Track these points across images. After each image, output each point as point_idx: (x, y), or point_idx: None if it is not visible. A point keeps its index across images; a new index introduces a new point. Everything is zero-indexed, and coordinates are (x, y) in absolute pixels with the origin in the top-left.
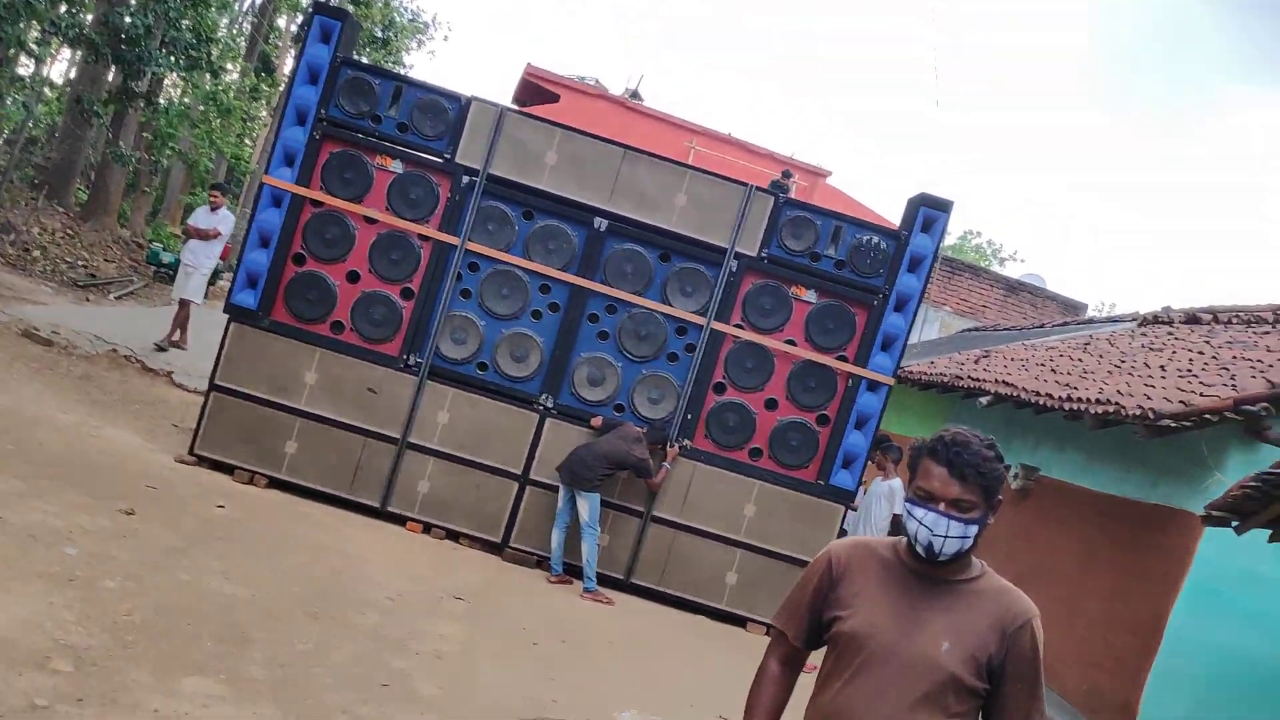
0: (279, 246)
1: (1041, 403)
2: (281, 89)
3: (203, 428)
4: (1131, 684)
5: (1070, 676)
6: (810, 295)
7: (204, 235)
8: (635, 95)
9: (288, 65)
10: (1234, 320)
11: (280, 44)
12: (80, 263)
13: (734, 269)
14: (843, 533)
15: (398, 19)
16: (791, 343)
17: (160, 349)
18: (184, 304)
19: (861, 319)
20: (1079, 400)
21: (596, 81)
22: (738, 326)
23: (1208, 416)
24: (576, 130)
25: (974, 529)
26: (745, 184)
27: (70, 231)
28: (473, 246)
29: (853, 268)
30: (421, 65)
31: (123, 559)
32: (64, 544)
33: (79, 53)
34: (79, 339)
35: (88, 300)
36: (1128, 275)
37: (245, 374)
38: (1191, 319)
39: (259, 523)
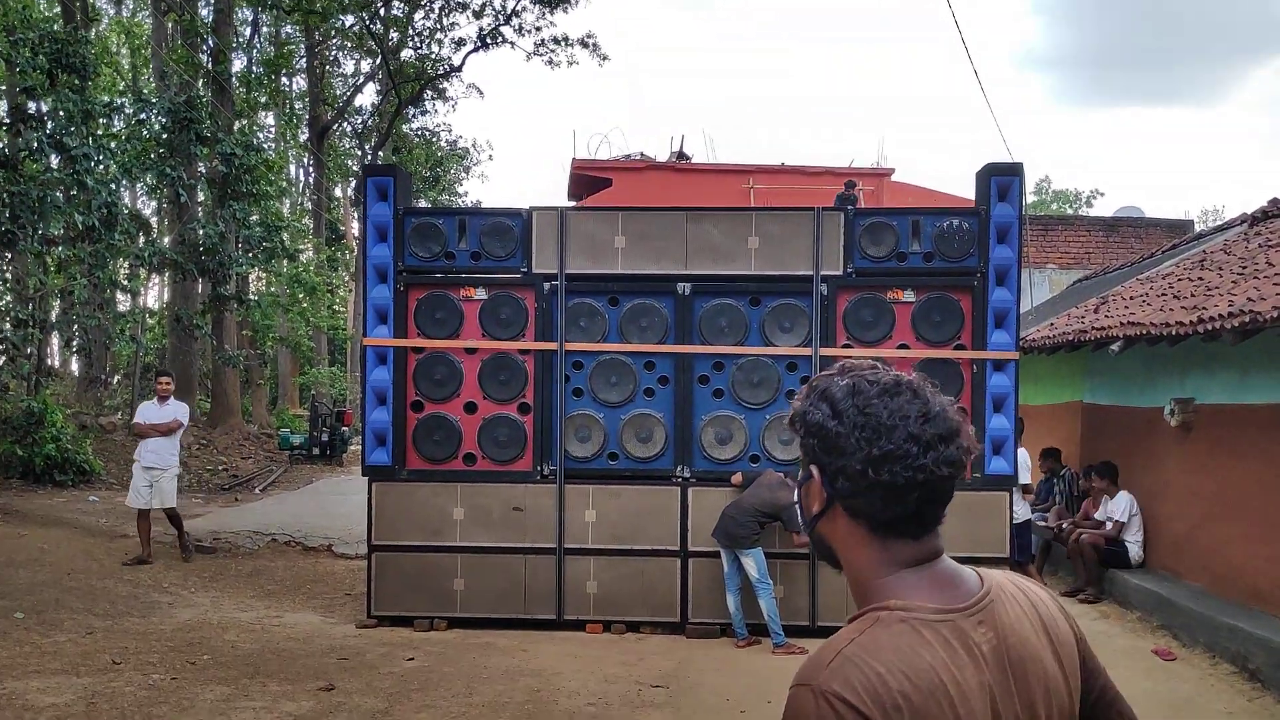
0: (395, 399)
1: (1173, 333)
2: (355, 251)
3: (373, 589)
4: None
5: None
6: (908, 295)
7: (163, 431)
8: (682, 155)
9: (354, 225)
10: None
11: (342, 210)
12: (220, 467)
13: (825, 292)
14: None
15: (438, 154)
16: (904, 346)
17: (187, 558)
18: (166, 515)
19: (966, 303)
20: (1210, 320)
21: (641, 155)
22: (845, 346)
23: None
24: (635, 208)
25: (794, 490)
26: (811, 208)
27: (203, 441)
28: (571, 346)
29: (942, 256)
30: (475, 190)
31: None
32: None
33: (165, 275)
34: (238, 539)
35: (237, 500)
36: (1219, 179)
37: (398, 528)
38: None
39: (448, 664)
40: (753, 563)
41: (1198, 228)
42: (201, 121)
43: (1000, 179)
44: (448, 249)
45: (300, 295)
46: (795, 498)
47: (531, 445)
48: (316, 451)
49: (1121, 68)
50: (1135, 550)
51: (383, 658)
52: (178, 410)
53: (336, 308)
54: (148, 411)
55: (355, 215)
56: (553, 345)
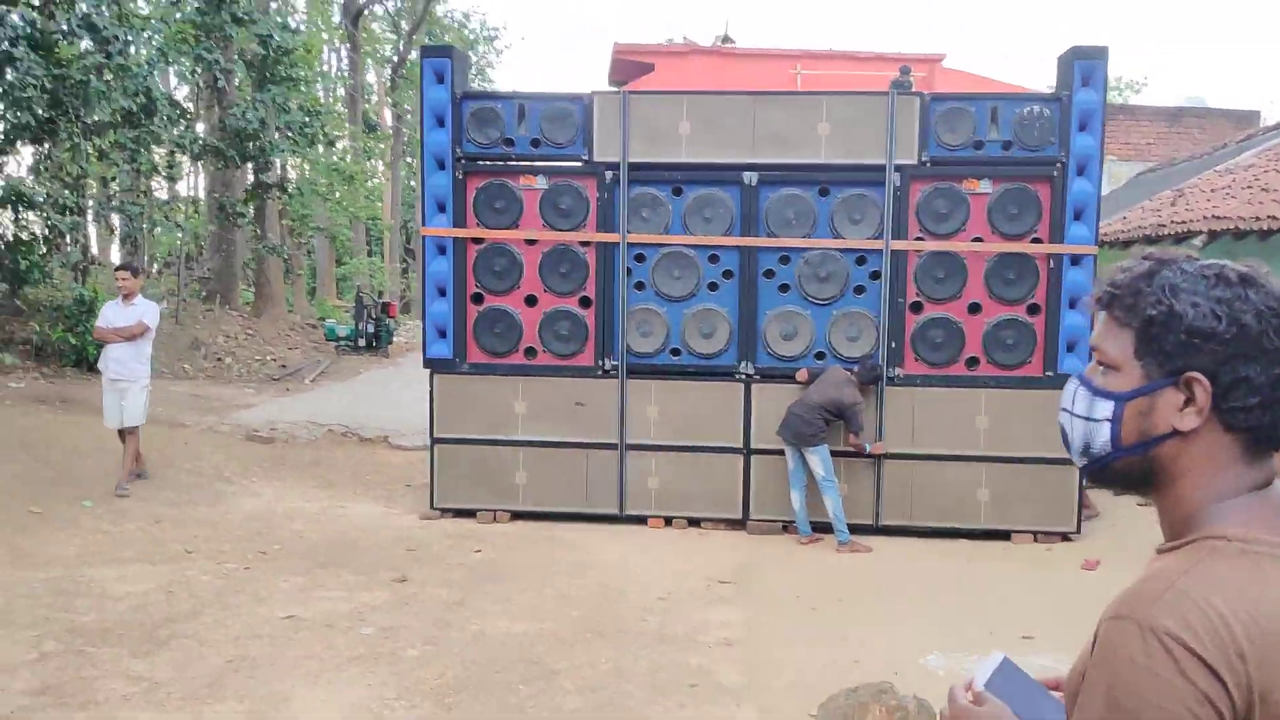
0: (455, 291)
1: (1264, 227)
2: (391, 139)
3: (436, 482)
4: None
5: None
6: (984, 186)
7: (126, 335)
8: (727, 40)
9: (386, 117)
10: None
11: (376, 97)
12: (269, 357)
13: (898, 182)
14: None
15: (471, 35)
16: (979, 239)
17: (122, 495)
18: (126, 434)
19: (1045, 194)
20: None
21: (685, 39)
22: (918, 239)
23: None
24: (700, 92)
25: (1107, 406)
26: (886, 92)
27: (250, 331)
28: (634, 238)
29: (1021, 144)
30: (504, 78)
31: (414, 626)
32: (359, 625)
33: (204, 163)
34: (295, 429)
35: (288, 390)
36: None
37: (460, 421)
38: None
39: (516, 557)
40: (819, 460)
41: (1263, 121)
42: (236, 0)
43: (1084, 63)
44: (506, 135)
45: (340, 184)
46: (857, 395)
47: (593, 339)
48: (362, 343)
49: None
50: None
51: (450, 549)
52: (144, 311)
53: (373, 198)
54: (108, 314)
55: (390, 102)
56: (615, 237)
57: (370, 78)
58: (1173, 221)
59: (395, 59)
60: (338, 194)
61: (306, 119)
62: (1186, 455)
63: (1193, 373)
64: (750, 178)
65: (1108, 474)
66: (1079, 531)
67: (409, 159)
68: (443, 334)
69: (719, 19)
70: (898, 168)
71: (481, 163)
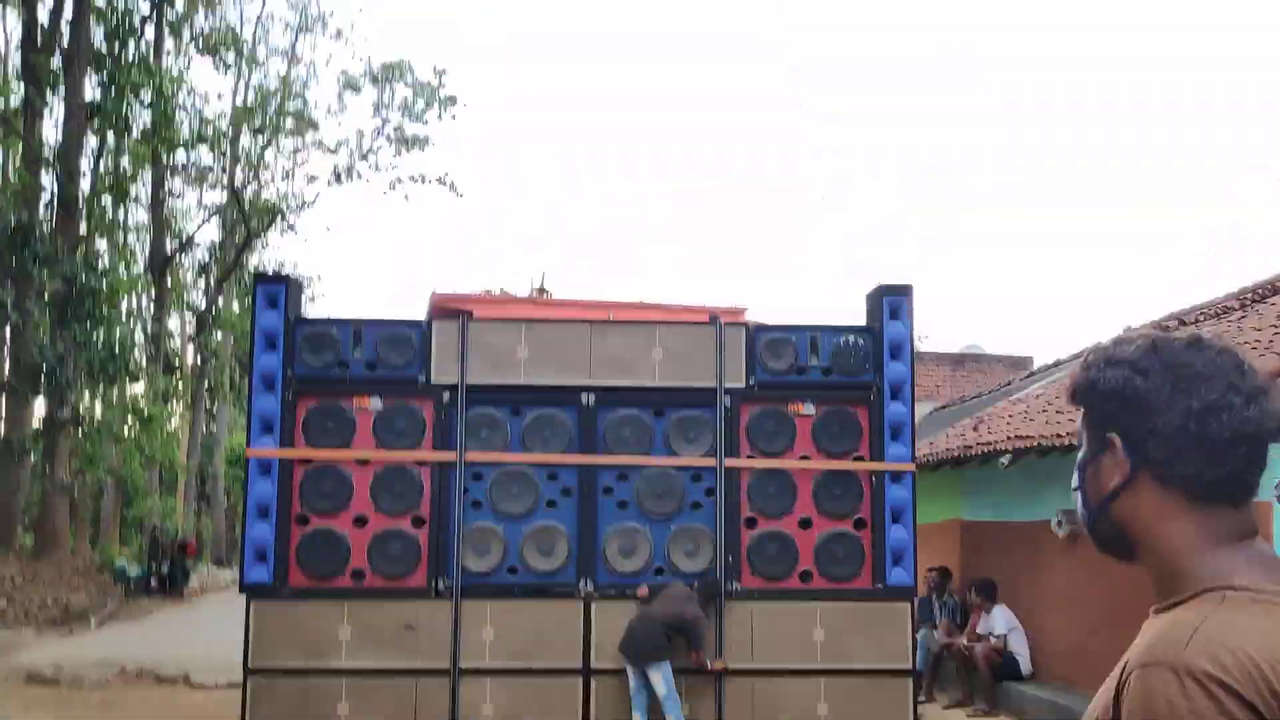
0: (279, 513)
1: (1069, 443)
2: (185, 384)
3: (249, 717)
4: None
5: None
6: (808, 408)
7: None
8: (542, 290)
9: (189, 358)
10: (1199, 319)
11: (179, 343)
12: (51, 600)
13: (728, 404)
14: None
15: None
16: (805, 458)
17: None
18: None
19: (864, 416)
20: None
21: (502, 290)
22: (749, 457)
23: None
24: (539, 320)
25: (1076, 476)
26: (713, 321)
27: (29, 573)
28: (471, 457)
29: (839, 370)
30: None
31: None
32: None
33: None
34: (83, 669)
35: (71, 633)
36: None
37: (278, 650)
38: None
39: None
40: (661, 678)
41: (1035, 363)
42: (39, 242)
43: (892, 299)
44: (341, 358)
45: (136, 426)
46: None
47: (426, 560)
48: (155, 584)
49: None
50: (1025, 662)
51: None
52: None
53: (170, 440)
54: None
55: (193, 347)
56: (452, 455)
57: (174, 324)
58: (978, 443)
59: (203, 304)
60: (132, 434)
61: (110, 356)
62: (1138, 512)
63: (1109, 433)
64: (588, 398)
65: (1100, 543)
66: None
67: (214, 404)
68: (262, 557)
69: (535, 271)
70: (727, 391)
71: (314, 384)
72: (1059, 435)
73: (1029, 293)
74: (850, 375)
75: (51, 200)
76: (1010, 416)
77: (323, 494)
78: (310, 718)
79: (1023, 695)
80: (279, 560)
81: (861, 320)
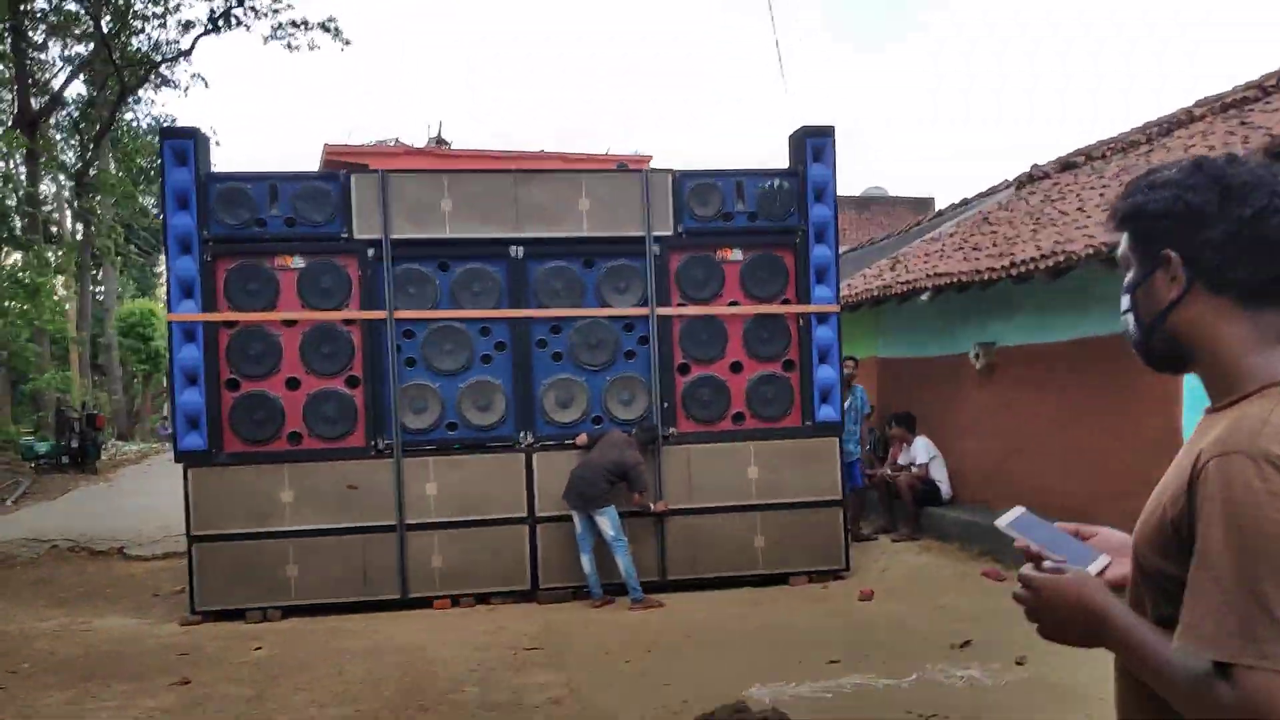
0: (208, 379)
1: (987, 277)
2: (69, 253)
3: (196, 584)
4: None
5: (1105, 517)
6: (736, 254)
7: None
8: (440, 141)
9: (68, 223)
10: (1107, 154)
11: (56, 207)
12: None
13: (657, 252)
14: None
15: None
16: (734, 304)
17: None
18: None
19: (790, 260)
20: (1023, 263)
21: (397, 141)
22: (680, 305)
23: None
24: (462, 171)
25: (1126, 299)
26: (640, 169)
27: None
28: (401, 314)
29: (765, 215)
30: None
31: None
32: None
33: None
34: (11, 548)
35: None
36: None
37: (219, 516)
38: (1067, 166)
39: (302, 649)
40: (607, 521)
41: (936, 204)
42: None
43: (815, 140)
44: (258, 215)
45: (21, 298)
46: (638, 456)
47: (364, 420)
48: (66, 460)
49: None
50: (945, 488)
51: (225, 650)
52: None
53: (57, 311)
54: None
55: (70, 211)
56: (382, 314)
57: (47, 187)
58: (898, 282)
59: (79, 165)
60: (15, 306)
61: None
62: (1194, 322)
63: (1165, 250)
64: (517, 251)
65: (1153, 358)
66: (848, 569)
67: (98, 270)
68: (195, 425)
69: (431, 122)
70: (656, 239)
71: (232, 244)
72: (978, 271)
73: (926, 134)
74: (776, 220)
75: None
76: (926, 255)
77: (251, 357)
78: (258, 581)
79: (943, 518)
80: (212, 426)
81: (783, 163)
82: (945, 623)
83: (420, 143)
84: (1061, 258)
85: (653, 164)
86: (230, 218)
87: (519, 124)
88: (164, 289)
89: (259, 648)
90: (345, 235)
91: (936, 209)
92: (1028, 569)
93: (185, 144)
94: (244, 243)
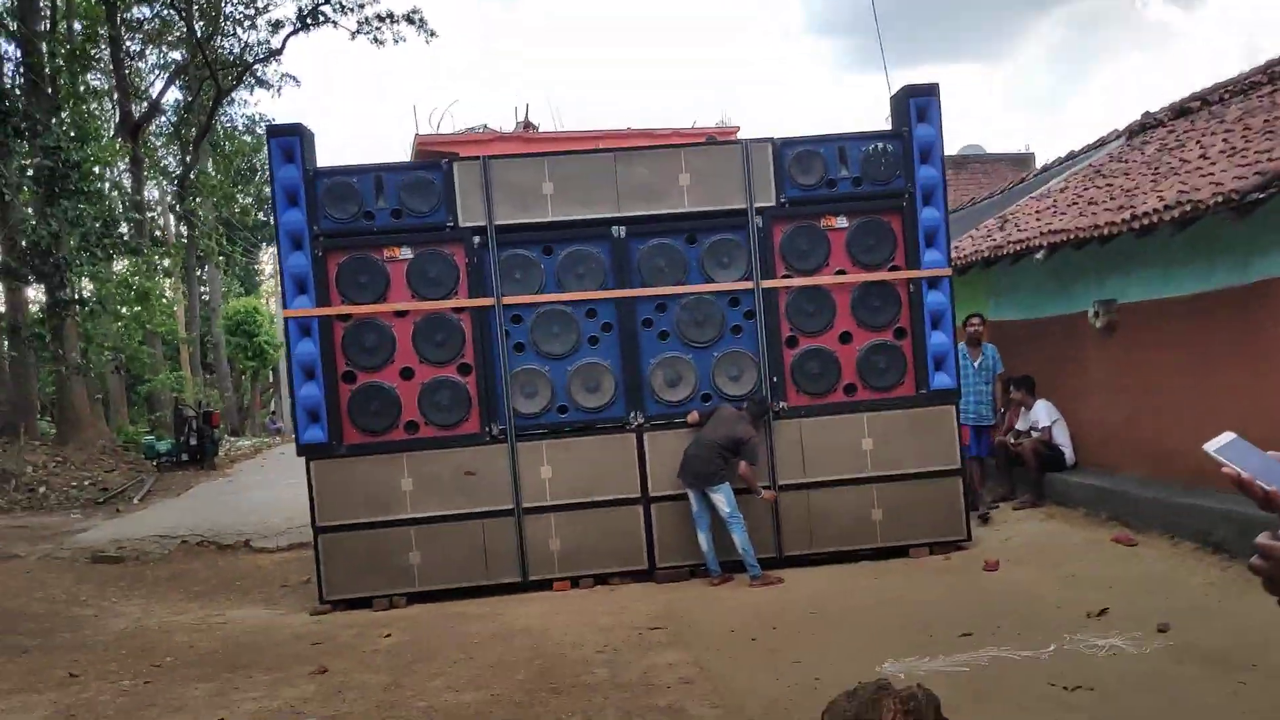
0: (325, 372)
1: (1106, 232)
2: (176, 256)
3: (324, 574)
4: None
5: None
6: (841, 221)
7: None
8: (528, 125)
9: (171, 228)
10: (1224, 98)
11: (161, 213)
12: (87, 481)
13: (760, 224)
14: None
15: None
16: (841, 272)
17: None
18: None
19: (897, 225)
20: (1146, 215)
21: (485, 127)
22: (785, 276)
23: None
24: (562, 153)
25: None
26: (740, 140)
27: (59, 458)
28: (508, 300)
29: (870, 180)
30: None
31: (358, 711)
32: (297, 719)
33: None
34: (144, 545)
35: (119, 512)
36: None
37: (343, 507)
38: (1181, 112)
39: (431, 635)
40: (723, 498)
41: (1039, 161)
42: (15, 113)
43: (918, 100)
44: (365, 208)
45: (132, 301)
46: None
47: (477, 406)
48: (185, 457)
49: (908, 29)
50: (1069, 452)
51: (357, 638)
52: None
53: (167, 313)
54: None
55: (174, 215)
56: (489, 301)
57: (150, 192)
58: (1009, 241)
59: (180, 169)
60: (128, 311)
61: (105, 229)
62: None
63: None
64: (619, 231)
65: None
66: (970, 539)
67: (203, 270)
68: (315, 418)
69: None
70: (758, 210)
71: (341, 238)
72: (1096, 226)
73: (1018, 89)
74: (881, 184)
75: (16, 69)
76: (1038, 212)
77: (366, 349)
78: (383, 569)
79: (1067, 484)
80: (331, 419)
81: (886, 125)
82: (1078, 591)
83: (508, 128)
84: (1188, 207)
85: (740, 135)
86: (338, 212)
87: (599, 105)
88: (267, 286)
89: (389, 635)
90: (450, 224)
91: (1039, 165)
92: (1265, 538)
93: (291, 141)
94: (353, 236)
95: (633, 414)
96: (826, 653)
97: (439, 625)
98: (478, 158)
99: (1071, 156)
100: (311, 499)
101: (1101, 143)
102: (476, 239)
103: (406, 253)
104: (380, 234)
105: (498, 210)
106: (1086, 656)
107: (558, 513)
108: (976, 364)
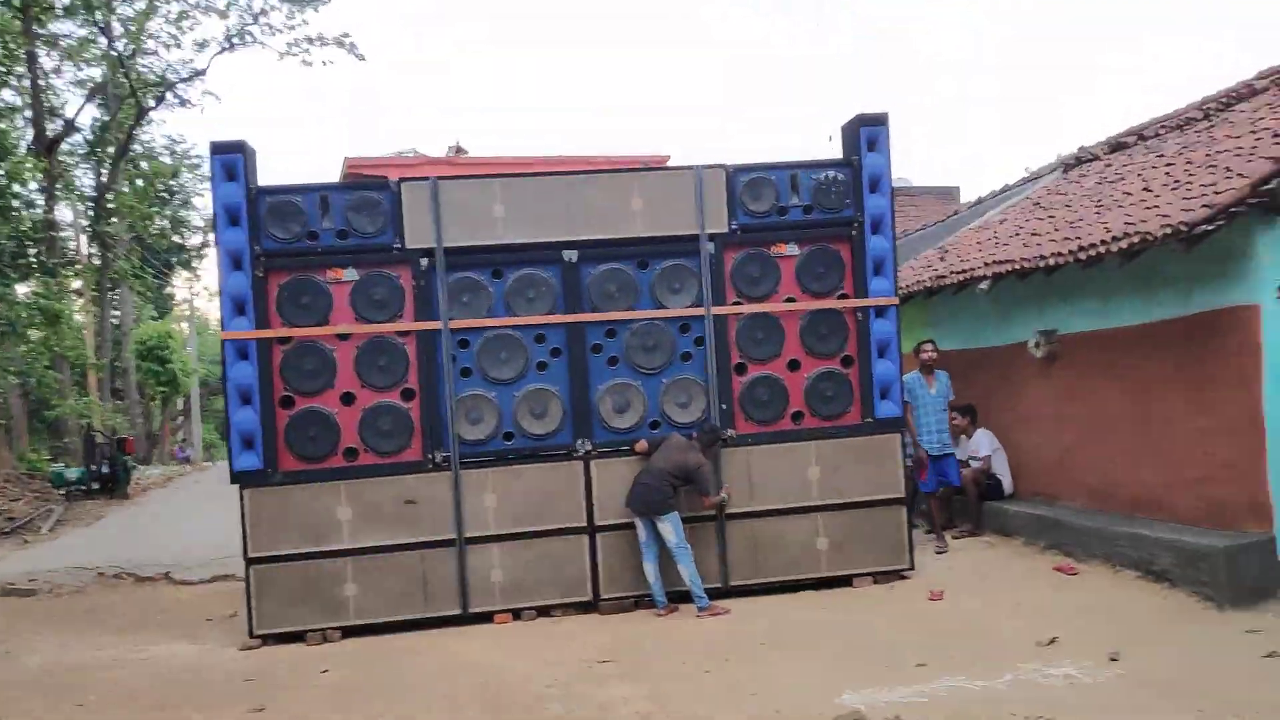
0: (262, 396)
1: (1052, 263)
2: (89, 277)
3: (254, 607)
4: (1254, 484)
5: (1184, 504)
6: (791, 248)
7: None
8: (459, 150)
9: (83, 249)
10: (1161, 133)
11: (72, 234)
12: None
13: (712, 251)
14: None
15: (177, 165)
16: (791, 299)
17: None
18: None
19: (846, 253)
20: (1093, 246)
21: (415, 151)
22: (735, 304)
23: (1234, 209)
24: (513, 175)
25: None
26: (692, 166)
27: None
28: (456, 324)
29: (820, 208)
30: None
31: None
32: None
33: None
34: (56, 576)
35: (26, 543)
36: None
37: (276, 536)
38: (1117, 147)
39: (375, 671)
40: (670, 528)
41: (963, 196)
42: None
43: (869, 129)
44: (310, 228)
45: (42, 325)
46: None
47: (420, 432)
48: (96, 486)
49: None
50: (1007, 481)
51: (293, 674)
52: None
53: (76, 336)
54: None
55: (85, 238)
56: (436, 324)
57: (63, 213)
58: (952, 271)
59: (96, 189)
60: (35, 334)
61: (20, 249)
62: None
63: None
64: (570, 255)
65: None
66: (912, 568)
67: (115, 291)
68: (250, 444)
69: (447, 134)
70: (710, 237)
71: (284, 259)
72: (1042, 257)
73: (942, 124)
74: (831, 212)
75: None
76: (979, 243)
77: (305, 373)
78: (317, 601)
79: (1005, 512)
80: (267, 445)
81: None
82: (1025, 620)
83: (438, 153)
84: (1136, 239)
85: (670, 163)
86: (281, 231)
87: (527, 131)
88: (177, 311)
89: (326, 670)
90: (398, 245)
91: (963, 198)
92: None
93: (234, 158)
94: (296, 256)
95: (580, 441)
96: (783, 684)
97: (378, 660)
98: (425, 178)
99: (1006, 189)
100: (244, 528)
101: (1035, 176)
102: (424, 261)
103: (351, 274)
104: (325, 254)
105: (447, 232)
106: (1044, 686)
107: (501, 542)
108: (933, 390)
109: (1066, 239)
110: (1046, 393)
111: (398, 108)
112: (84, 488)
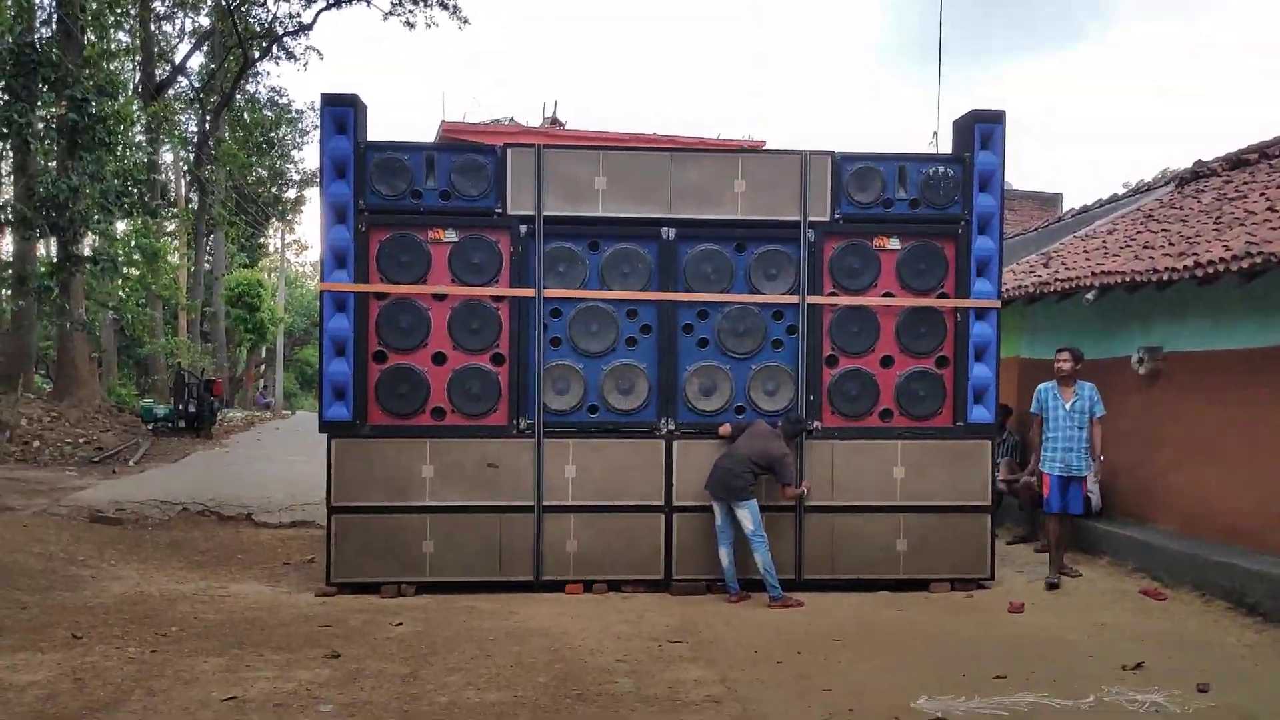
0: (356, 350)
1: (1166, 277)
2: (185, 219)
3: (333, 555)
4: None
5: None
6: (894, 242)
7: None
8: (555, 121)
9: (180, 192)
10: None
11: (174, 175)
12: (81, 439)
13: (812, 239)
14: (995, 467)
15: (279, 117)
16: (889, 295)
17: None
18: None
19: (950, 251)
20: (1211, 263)
21: (511, 120)
22: (832, 294)
23: None
24: (617, 146)
25: None
26: (800, 151)
27: (54, 413)
28: (549, 293)
29: (927, 203)
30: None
31: (377, 701)
32: (315, 704)
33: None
34: (144, 509)
35: (114, 473)
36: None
37: (360, 488)
38: (1238, 163)
39: (443, 628)
40: (748, 515)
41: (1066, 203)
42: (47, 64)
43: (984, 126)
44: (414, 187)
45: (140, 263)
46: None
47: (506, 398)
48: (183, 424)
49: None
50: (1096, 498)
51: (367, 624)
52: None
53: (172, 276)
54: None
55: (184, 182)
56: (530, 292)
57: (165, 156)
58: (1055, 279)
59: (197, 136)
60: (134, 271)
61: (125, 187)
62: None
63: None
64: (668, 233)
65: None
66: (993, 578)
67: (210, 238)
68: (341, 395)
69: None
70: (811, 224)
71: (386, 215)
72: (1155, 270)
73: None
74: (938, 208)
75: (49, 20)
76: (1086, 251)
77: (400, 330)
78: (395, 555)
79: (1093, 530)
80: (357, 398)
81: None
82: (1109, 641)
83: (535, 122)
84: (1259, 259)
85: (765, 147)
86: (386, 188)
87: (627, 108)
88: (269, 260)
89: (399, 623)
90: (499, 210)
91: (1065, 205)
92: None
93: (345, 111)
94: (399, 214)
95: (664, 420)
96: (856, 681)
97: (451, 618)
98: (531, 145)
99: (1115, 199)
100: (329, 477)
101: (1149, 188)
102: (523, 228)
103: (451, 235)
104: (427, 214)
105: (547, 200)
106: (1128, 711)
107: (578, 514)
108: (1069, 405)
109: (1182, 254)
110: (1146, 411)
111: (494, 78)
112: (171, 424)
